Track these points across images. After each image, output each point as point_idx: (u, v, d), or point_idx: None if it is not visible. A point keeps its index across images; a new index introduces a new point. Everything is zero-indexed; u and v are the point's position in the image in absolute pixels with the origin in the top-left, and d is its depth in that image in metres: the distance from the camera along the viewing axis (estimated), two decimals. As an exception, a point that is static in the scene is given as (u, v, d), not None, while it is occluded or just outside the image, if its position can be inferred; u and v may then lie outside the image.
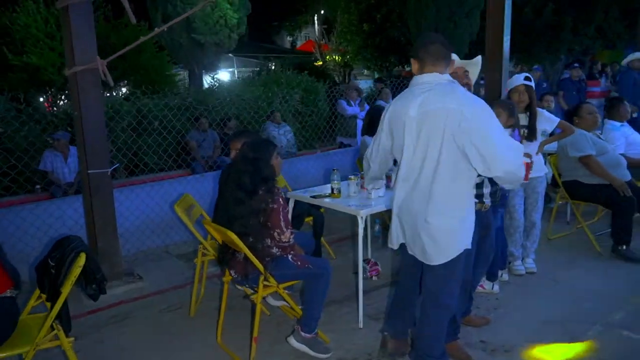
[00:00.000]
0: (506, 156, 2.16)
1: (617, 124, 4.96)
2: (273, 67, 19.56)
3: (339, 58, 20.50)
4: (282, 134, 8.06)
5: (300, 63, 19.14)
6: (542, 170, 3.84)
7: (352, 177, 3.45)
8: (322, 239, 4.44)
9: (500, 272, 3.71)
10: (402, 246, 2.48)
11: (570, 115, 4.50)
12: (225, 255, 2.76)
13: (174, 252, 4.75)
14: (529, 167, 2.49)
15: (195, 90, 7.71)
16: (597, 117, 4.36)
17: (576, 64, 9.12)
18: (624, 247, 4.09)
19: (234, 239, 2.55)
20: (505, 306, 3.36)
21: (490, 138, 2.15)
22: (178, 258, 4.60)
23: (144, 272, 4.13)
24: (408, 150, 2.30)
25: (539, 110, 3.73)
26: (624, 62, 8.44)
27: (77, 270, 2.14)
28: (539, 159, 3.80)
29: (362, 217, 3.04)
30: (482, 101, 2.24)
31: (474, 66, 2.93)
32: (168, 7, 7.99)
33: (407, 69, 16.76)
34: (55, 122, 6.57)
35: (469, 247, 2.34)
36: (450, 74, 2.38)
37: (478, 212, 2.48)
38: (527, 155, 2.52)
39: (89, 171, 3.67)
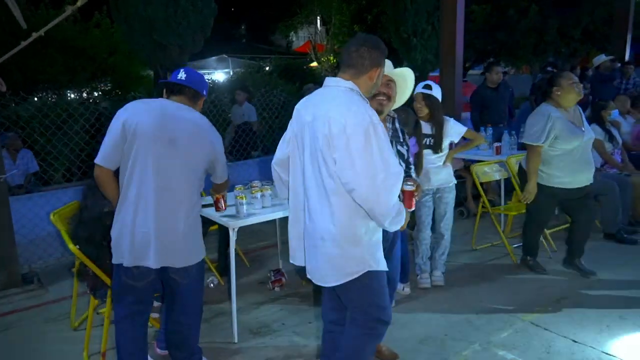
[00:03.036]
0: (364, 184, 1.89)
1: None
2: (268, 68, 19.58)
3: (333, 59, 20.41)
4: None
5: (294, 64, 19.10)
6: (450, 180, 3.71)
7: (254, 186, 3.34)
8: (238, 248, 4.38)
9: (401, 286, 3.61)
10: None
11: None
12: (80, 268, 2.70)
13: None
14: (410, 195, 2.24)
15: (158, 92, 7.66)
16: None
17: (549, 68, 8.93)
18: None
19: (75, 253, 2.49)
20: (396, 322, 3.23)
21: (353, 159, 1.89)
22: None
23: (55, 280, 4.10)
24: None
25: (445, 118, 3.61)
26: (593, 66, 8.31)
27: None
28: (447, 170, 3.69)
29: (233, 230, 2.96)
30: (365, 117, 1.91)
31: (402, 79, 2.56)
32: (130, 9, 7.96)
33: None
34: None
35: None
36: None
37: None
38: (411, 181, 2.27)
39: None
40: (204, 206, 3.34)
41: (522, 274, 3.95)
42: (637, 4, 12.94)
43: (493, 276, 3.92)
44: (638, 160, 5.43)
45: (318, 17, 23.14)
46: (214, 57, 21.31)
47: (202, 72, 20.54)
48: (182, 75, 2.40)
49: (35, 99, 7.09)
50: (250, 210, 3.11)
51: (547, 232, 4.44)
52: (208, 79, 11.27)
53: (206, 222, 3.97)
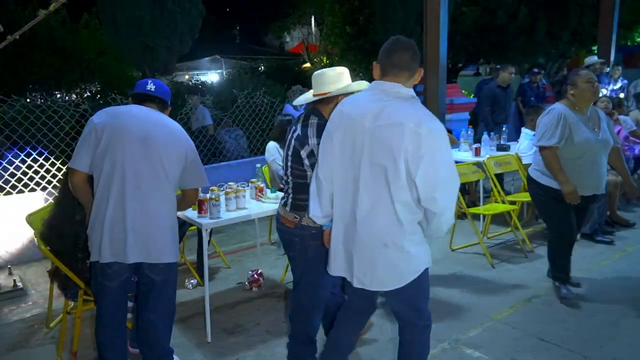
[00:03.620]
0: (446, 192, 1.94)
1: (530, 132, 4.87)
2: (261, 69, 19.57)
3: (325, 60, 20.45)
4: (234, 138, 8.06)
5: (286, 65, 19.10)
6: None
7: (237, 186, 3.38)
8: (218, 249, 4.43)
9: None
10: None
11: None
12: (52, 269, 2.74)
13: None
14: None
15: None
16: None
17: (535, 70, 9.03)
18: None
19: (46, 254, 2.52)
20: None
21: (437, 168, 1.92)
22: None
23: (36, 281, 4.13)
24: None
25: None
26: (583, 66, 8.36)
27: None
28: None
29: (205, 230, 3.00)
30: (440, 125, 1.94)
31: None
32: (117, 12, 8.00)
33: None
34: None
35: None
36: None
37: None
38: None
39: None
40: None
41: (495, 274, 4.00)
42: (625, 8, 13.12)
43: (468, 277, 3.98)
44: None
45: (312, 18, 23.22)
46: (207, 58, 21.36)
47: (194, 72, 20.34)
48: (151, 86, 2.47)
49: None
50: (223, 210, 3.14)
51: (524, 232, 4.51)
52: (197, 80, 11.26)
53: (185, 223, 4.03)
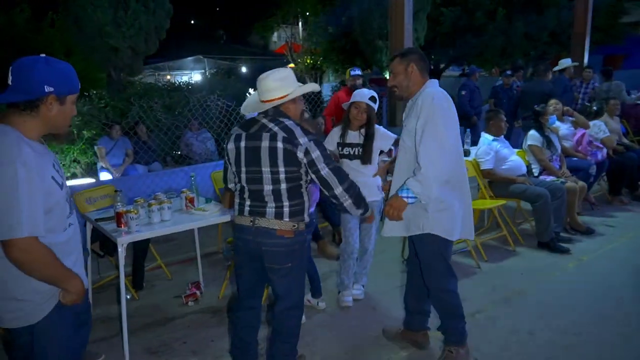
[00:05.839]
0: None
1: (489, 137, 4.74)
2: (242, 70, 19.35)
3: (309, 60, 20.30)
4: (201, 141, 7.87)
5: (269, 66, 18.85)
6: (377, 194, 3.55)
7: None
8: (159, 260, 4.25)
9: (315, 301, 3.51)
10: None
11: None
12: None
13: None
14: None
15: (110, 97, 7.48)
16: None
17: (508, 72, 8.91)
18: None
19: None
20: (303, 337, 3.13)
21: None
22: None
23: None
24: None
25: (376, 127, 3.49)
26: (556, 68, 8.26)
27: None
28: (374, 182, 3.53)
29: (122, 245, 2.82)
30: None
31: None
32: (79, 11, 7.78)
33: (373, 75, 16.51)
34: None
35: None
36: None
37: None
38: None
39: None
40: (101, 220, 3.21)
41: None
42: (602, 10, 13.09)
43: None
44: (580, 166, 5.40)
45: (296, 18, 23.05)
46: (190, 58, 21.15)
47: (176, 72, 20.17)
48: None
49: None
50: (143, 224, 2.96)
51: (479, 241, 4.37)
52: (180, 80, 10.95)
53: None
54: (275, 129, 2.21)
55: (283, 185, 2.22)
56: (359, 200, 2.32)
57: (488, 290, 3.72)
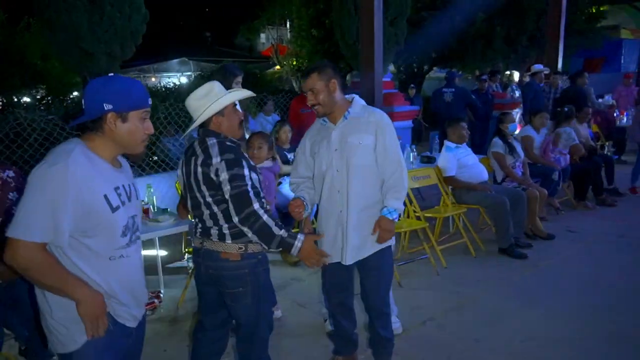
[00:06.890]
0: None
1: (452, 145, 4.81)
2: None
3: (294, 62, 20.33)
4: (177, 147, 7.89)
5: (254, 68, 18.91)
6: None
7: None
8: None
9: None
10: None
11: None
12: None
13: None
14: None
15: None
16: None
17: (483, 77, 9.02)
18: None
19: None
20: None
21: None
22: None
23: None
24: None
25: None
26: (528, 73, 8.38)
27: None
28: None
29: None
30: None
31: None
32: (52, 15, 7.73)
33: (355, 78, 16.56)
34: None
35: None
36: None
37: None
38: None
39: None
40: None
41: (402, 292, 3.88)
42: (579, 15, 13.27)
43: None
44: (544, 173, 5.49)
45: (283, 20, 23.06)
46: (175, 60, 21.09)
47: (162, 75, 20.05)
48: None
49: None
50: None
51: (439, 248, 4.43)
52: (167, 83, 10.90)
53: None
54: (198, 151, 2.14)
55: (215, 208, 2.12)
56: (262, 235, 2.10)
57: (442, 298, 3.77)
